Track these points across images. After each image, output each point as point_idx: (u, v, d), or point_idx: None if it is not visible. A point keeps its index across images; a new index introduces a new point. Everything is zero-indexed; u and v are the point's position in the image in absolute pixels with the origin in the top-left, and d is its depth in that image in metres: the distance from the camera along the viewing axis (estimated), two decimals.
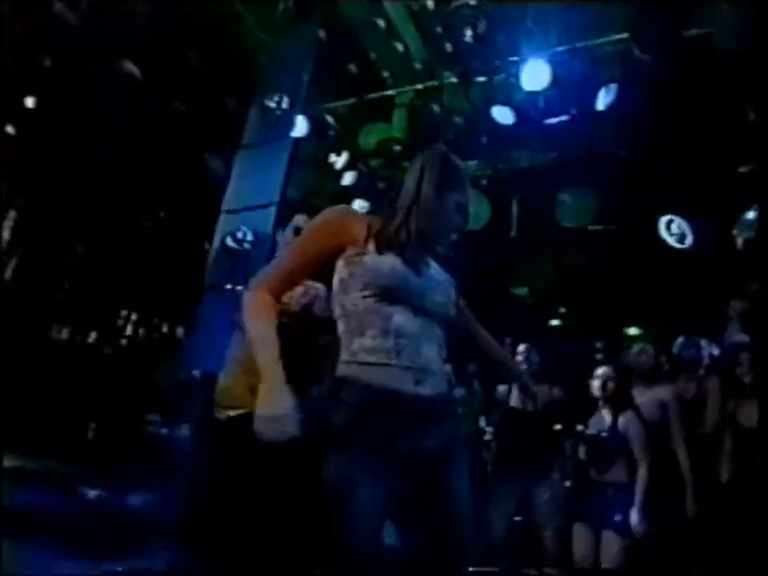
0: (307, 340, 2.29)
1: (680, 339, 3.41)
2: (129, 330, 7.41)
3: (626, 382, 3.27)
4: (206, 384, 4.61)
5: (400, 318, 1.46)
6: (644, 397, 3.26)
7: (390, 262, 1.48)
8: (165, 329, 7.49)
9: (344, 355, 1.50)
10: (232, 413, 2.33)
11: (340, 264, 1.53)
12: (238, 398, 2.25)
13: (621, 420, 3.11)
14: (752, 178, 4.23)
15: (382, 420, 1.42)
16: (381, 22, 5.83)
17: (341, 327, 1.52)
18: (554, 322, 8.22)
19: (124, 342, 7.29)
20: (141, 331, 7.42)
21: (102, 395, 6.00)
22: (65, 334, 6.78)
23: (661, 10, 4.20)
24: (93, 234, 6.65)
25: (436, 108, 6.30)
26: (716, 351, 3.40)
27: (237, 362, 2.41)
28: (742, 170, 4.33)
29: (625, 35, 4.60)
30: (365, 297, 1.47)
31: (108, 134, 5.33)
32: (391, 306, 1.47)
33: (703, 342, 3.40)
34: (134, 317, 7.38)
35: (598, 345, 5.74)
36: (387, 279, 1.47)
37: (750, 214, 3.82)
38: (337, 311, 1.54)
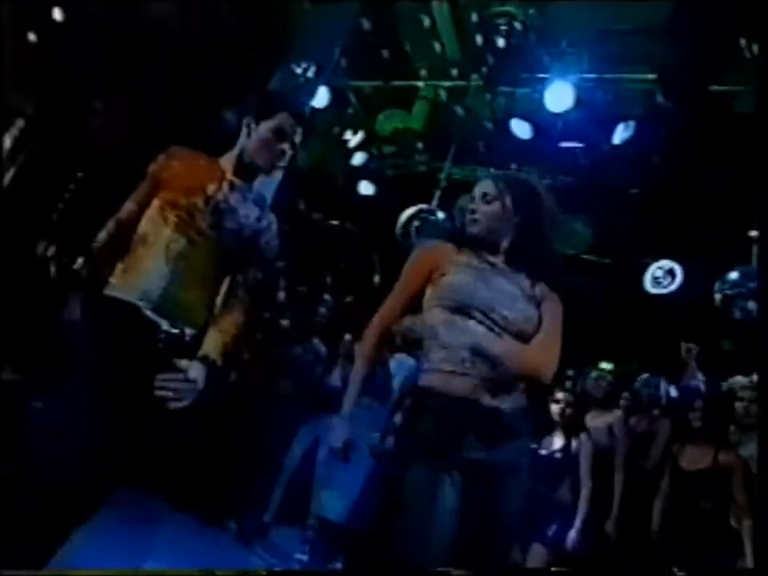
0: None
1: (643, 376, 3.54)
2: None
3: (582, 407, 3.39)
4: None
5: (475, 330, 1.60)
6: (595, 421, 3.39)
7: (462, 278, 1.65)
8: None
9: (425, 365, 1.68)
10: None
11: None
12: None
13: (573, 443, 3.23)
14: (747, 240, 4.35)
15: (458, 427, 1.56)
16: (426, 20, 5.84)
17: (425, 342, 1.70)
18: None
19: None
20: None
21: None
22: None
23: (690, 60, 4.27)
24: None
25: (457, 108, 6.34)
26: (673, 394, 3.53)
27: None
28: (736, 231, 4.44)
29: (652, 76, 4.66)
30: (441, 310, 1.65)
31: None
32: (467, 320, 1.61)
33: (663, 383, 3.52)
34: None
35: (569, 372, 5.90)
36: (459, 294, 1.63)
37: (734, 274, 3.94)
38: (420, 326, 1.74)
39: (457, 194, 6.24)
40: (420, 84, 6.40)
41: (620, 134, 5.08)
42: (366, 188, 6.43)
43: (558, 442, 3.25)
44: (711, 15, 4.31)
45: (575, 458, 3.16)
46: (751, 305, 3.79)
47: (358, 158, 6.37)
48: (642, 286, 5.39)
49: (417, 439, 1.60)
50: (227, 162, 1.91)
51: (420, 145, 6.78)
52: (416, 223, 5.11)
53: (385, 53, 6.23)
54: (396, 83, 6.44)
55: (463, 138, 6.36)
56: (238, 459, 4.29)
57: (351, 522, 4.01)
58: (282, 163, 1.95)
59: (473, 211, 1.74)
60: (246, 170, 1.90)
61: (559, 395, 3.31)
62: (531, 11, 5.07)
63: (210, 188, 1.82)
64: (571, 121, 5.31)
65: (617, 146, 5.16)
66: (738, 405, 3.29)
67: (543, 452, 3.24)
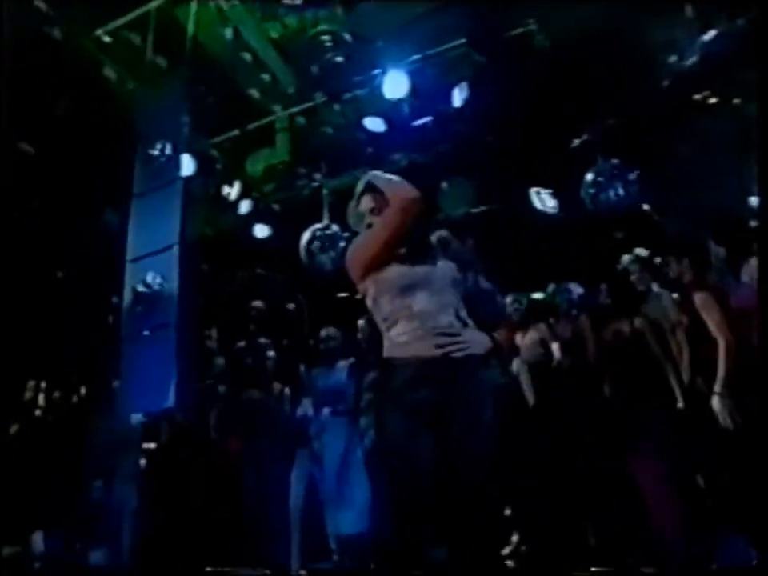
0: None
1: (551, 286, 4.01)
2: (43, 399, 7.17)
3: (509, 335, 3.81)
4: (146, 429, 4.76)
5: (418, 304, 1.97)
6: (524, 340, 3.84)
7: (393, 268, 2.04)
8: (85, 388, 7.34)
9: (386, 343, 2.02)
10: None
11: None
12: None
13: (513, 366, 3.65)
14: (589, 146, 4.96)
15: (418, 380, 1.87)
16: (247, 56, 6.17)
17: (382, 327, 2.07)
18: None
19: (39, 412, 7.06)
20: (56, 396, 7.20)
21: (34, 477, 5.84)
22: None
23: (484, 16, 4.83)
24: None
25: (314, 127, 6.71)
26: (582, 292, 4.02)
27: None
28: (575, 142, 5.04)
29: (462, 41, 5.20)
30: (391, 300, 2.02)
31: None
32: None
33: (572, 286, 4.01)
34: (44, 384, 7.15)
35: None
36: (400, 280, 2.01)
37: (589, 176, 4.50)
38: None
39: (344, 202, 6.61)
40: (272, 118, 6.71)
41: (458, 96, 5.61)
42: (261, 231, 6.66)
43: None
44: None
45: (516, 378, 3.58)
46: (611, 193, 4.37)
47: (244, 207, 6.59)
48: (530, 214, 5.95)
49: (388, 398, 1.94)
50: None
51: (294, 171, 7.09)
52: (316, 243, 5.41)
53: (228, 101, 6.51)
54: (250, 126, 6.72)
55: (330, 151, 6.73)
56: (244, 524, 4.39)
57: (366, 527, 4.20)
58: None
59: (369, 225, 2.19)
60: None
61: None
62: (344, 24, 5.50)
63: None
64: (414, 102, 5.80)
65: (460, 108, 5.69)
66: (632, 277, 3.83)
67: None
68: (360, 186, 2.23)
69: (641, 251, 3.97)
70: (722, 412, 2.85)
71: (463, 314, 2.03)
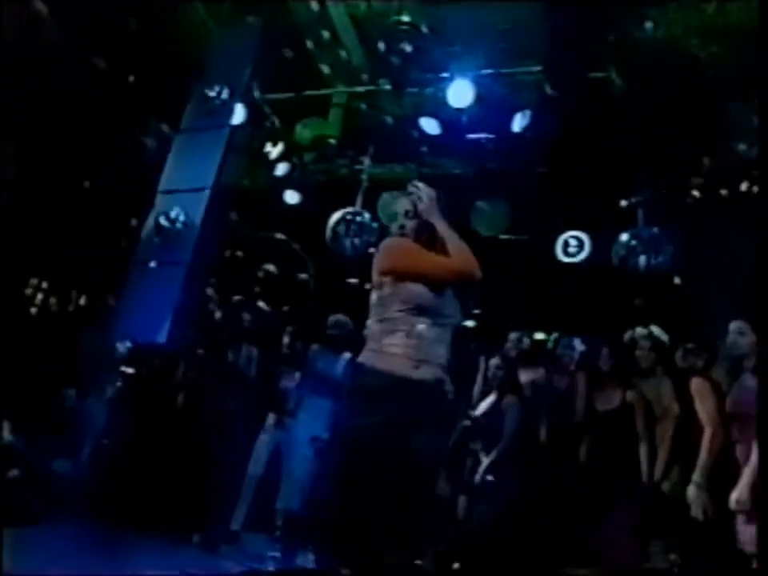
0: None
1: (556, 337, 4.01)
2: (40, 299, 7.25)
3: (512, 370, 3.83)
4: (131, 358, 4.80)
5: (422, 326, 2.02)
6: (524, 377, 3.86)
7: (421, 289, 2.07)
8: (84, 300, 7.41)
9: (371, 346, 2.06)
10: None
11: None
12: None
13: (504, 402, 3.66)
14: (635, 206, 4.94)
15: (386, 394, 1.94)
16: (325, 27, 6.15)
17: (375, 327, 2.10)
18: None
19: (35, 310, 7.14)
20: (54, 301, 7.28)
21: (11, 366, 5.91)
22: None
23: (569, 51, 4.79)
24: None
25: (369, 111, 6.70)
26: (584, 348, 4.02)
27: None
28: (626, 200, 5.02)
29: (538, 68, 5.17)
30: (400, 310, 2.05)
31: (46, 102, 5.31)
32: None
33: (576, 342, 4.01)
34: (45, 284, 7.22)
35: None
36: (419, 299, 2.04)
37: (624, 236, 4.49)
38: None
39: (378, 193, 6.63)
40: (332, 92, 6.70)
41: (518, 122, 5.58)
42: (291, 197, 6.66)
43: (491, 400, 3.68)
44: (582, 12, 4.85)
45: (502, 416, 3.59)
46: (641, 260, 4.35)
47: (281, 169, 6.60)
48: (555, 256, 5.93)
49: (359, 407, 1.99)
50: None
51: (339, 149, 7.09)
52: (343, 226, 5.42)
53: (294, 63, 6.50)
54: (309, 93, 6.71)
55: (379, 139, 6.72)
56: (197, 473, 4.44)
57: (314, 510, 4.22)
58: None
59: (401, 226, 2.23)
60: None
61: (492, 361, 3.74)
62: (426, 20, 5.47)
63: None
64: (474, 114, 5.77)
65: (517, 133, 5.66)
66: (638, 352, 3.81)
67: (479, 412, 3.66)
68: (410, 191, 2.24)
69: (656, 330, 3.95)
70: (696, 502, 2.86)
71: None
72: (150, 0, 5.39)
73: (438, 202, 2.19)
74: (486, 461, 3.60)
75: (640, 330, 3.94)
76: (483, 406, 3.78)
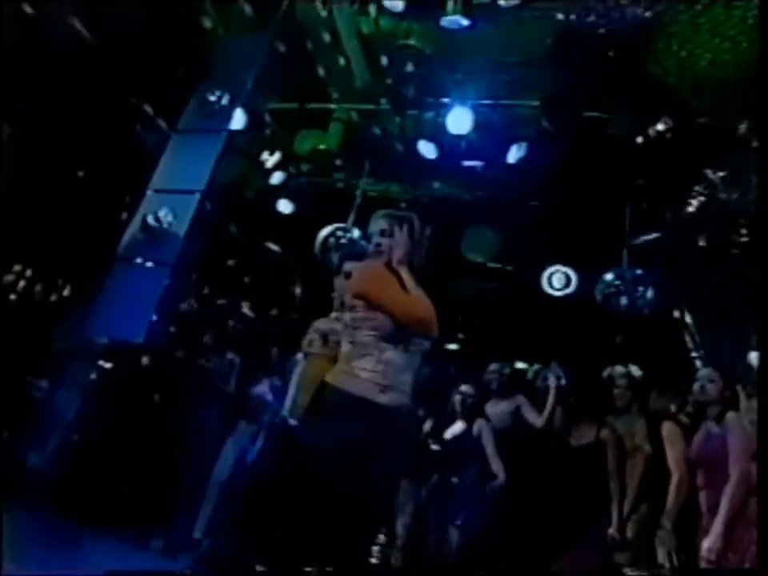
0: None
1: (535, 367, 4.02)
2: (22, 286, 7.15)
3: (482, 396, 3.83)
4: (107, 353, 4.75)
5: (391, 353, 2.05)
6: (497, 407, 3.85)
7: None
8: (64, 291, 7.32)
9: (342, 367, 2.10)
10: None
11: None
12: None
13: (474, 428, 3.66)
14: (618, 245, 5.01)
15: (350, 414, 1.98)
16: (331, 41, 6.22)
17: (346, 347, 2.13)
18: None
19: (14, 297, 7.04)
20: (36, 289, 7.19)
21: None
22: None
23: (565, 90, 4.89)
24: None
25: (370, 129, 6.75)
26: (563, 382, 4.04)
27: None
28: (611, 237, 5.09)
29: (535, 103, 5.25)
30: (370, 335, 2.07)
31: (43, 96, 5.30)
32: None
33: (551, 373, 4.02)
34: (28, 272, 7.14)
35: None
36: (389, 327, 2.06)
37: (609, 275, 4.54)
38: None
39: (372, 210, 6.65)
40: (333, 106, 6.76)
41: (514, 153, 5.66)
42: (285, 206, 6.68)
43: (459, 428, 3.67)
44: (584, 51, 4.95)
45: (477, 441, 3.58)
46: (623, 300, 4.40)
47: (276, 178, 6.62)
48: (540, 288, 5.98)
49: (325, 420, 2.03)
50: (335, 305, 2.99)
51: (336, 162, 7.13)
52: (333, 240, 5.44)
53: (299, 76, 6.56)
54: (311, 105, 6.76)
55: (376, 157, 6.77)
56: (164, 475, 4.38)
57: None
58: None
59: (378, 245, 2.24)
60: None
61: (463, 387, 3.74)
62: (432, 46, 5.56)
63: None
64: (471, 142, 5.84)
65: (512, 164, 5.74)
66: (615, 390, 3.83)
67: (448, 438, 3.64)
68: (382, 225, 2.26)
69: (635, 370, 3.98)
70: (662, 547, 2.85)
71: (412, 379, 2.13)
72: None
73: (416, 235, 2.23)
74: (454, 484, 3.58)
75: (618, 369, 3.96)
76: (452, 429, 3.77)
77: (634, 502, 3.34)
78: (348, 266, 2.88)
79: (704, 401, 2.93)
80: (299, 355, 3.29)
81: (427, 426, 3.93)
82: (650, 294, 4.47)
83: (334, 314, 2.92)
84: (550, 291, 5.93)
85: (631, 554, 3.21)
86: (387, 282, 2.15)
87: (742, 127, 4.66)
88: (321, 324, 2.93)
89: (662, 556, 2.86)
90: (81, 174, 7.10)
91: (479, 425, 3.76)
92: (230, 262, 6.42)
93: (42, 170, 6.30)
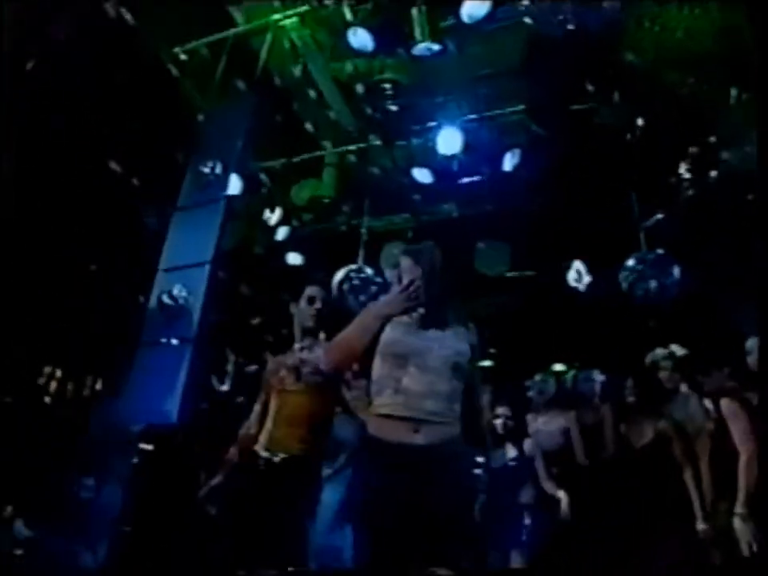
0: None
1: (574, 372, 3.88)
2: (54, 387, 7.23)
3: (524, 414, 3.69)
4: (146, 437, 4.72)
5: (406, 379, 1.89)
6: (549, 425, 3.68)
7: (393, 332, 1.97)
8: (97, 385, 7.38)
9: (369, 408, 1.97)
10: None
11: None
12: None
13: (525, 448, 3.50)
14: (635, 229, 4.91)
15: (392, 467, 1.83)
16: (311, 92, 6.34)
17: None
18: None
19: (48, 399, 7.11)
20: (69, 388, 7.26)
21: (27, 458, 5.84)
22: None
23: (546, 87, 4.88)
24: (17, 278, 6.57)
25: (363, 167, 6.81)
26: (606, 381, 3.89)
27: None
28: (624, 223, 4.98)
29: (521, 108, 5.25)
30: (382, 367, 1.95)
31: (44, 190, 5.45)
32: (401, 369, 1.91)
33: (596, 374, 3.88)
34: (58, 373, 7.22)
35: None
36: (393, 347, 1.93)
37: (630, 261, 4.42)
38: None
39: (379, 245, 6.66)
40: (324, 153, 6.84)
41: (509, 161, 5.64)
42: (294, 258, 6.71)
43: (510, 452, 3.52)
44: (558, 51, 4.97)
45: (531, 461, 3.43)
46: (652, 283, 4.26)
47: (282, 233, 6.67)
48: (560, 290, 5.87)
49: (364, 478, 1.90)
50: (296, 335, 2.72)
51: (336, 207, 7.18)
52: (348, 284, 5.41)
53: (285, 131, 6.68)
54: (302, 156, 6.86)
55: (374, 193, 6.81)
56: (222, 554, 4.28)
57: None
58: (320, 320, 2.71)
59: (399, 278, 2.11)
60: (306, 334, 2.69)
61: (499, 410, 3.61)
62: (407, 76, 5.63)
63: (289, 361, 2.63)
64: (464, 159, 5.84)
65: (509, 173, 5.71)
66: (661, 374, 3.68)
67: (498, 465, 3.49)
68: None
69: (676, 348, 3.82)
70: (743, 536, 2.65)
71: (456, 405, 1.92)
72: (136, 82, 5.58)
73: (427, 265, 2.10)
74: (519, 509, 3.43)
75: (660, 351, 3.81)
76: (502, 456, 3.61)
77: (713, 488, 3.14)
78: (310, 290, 2.76)
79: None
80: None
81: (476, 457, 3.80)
82: (676, 271, 4.32)
83: (297, 345, 2.68)
84: (571, 290, 5.82)
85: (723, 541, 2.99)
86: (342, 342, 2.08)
87: (732, 94, 4.58)
88: (287, 359, 2.65)
89: (744, 545, 2.64)
90: (92, 267, 7.25)
91: (530, 445, 3.59)
92: (253, 323, 6.42)
93: (54, 271, 6.42)
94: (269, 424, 2.53)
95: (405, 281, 2.06)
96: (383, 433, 1.88)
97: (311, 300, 2.73)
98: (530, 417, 3.81)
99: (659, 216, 4.85)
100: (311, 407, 2.48)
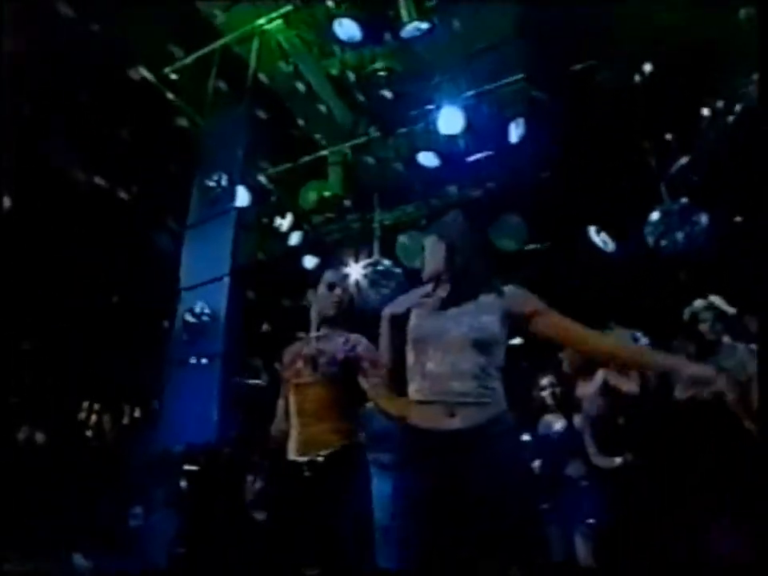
0: None
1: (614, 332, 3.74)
2: (94, 420, 7.32)
3: (570, 382, 3.56)
4: (189, 457, 4.71)
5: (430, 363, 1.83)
6: (584, 389, 3.56)
7: (416, 318, 1.92)
8: (135, 413, 7.45)
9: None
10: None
11: None
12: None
13: (575, 419, 3.38)
14: (654, 183, 4.74)
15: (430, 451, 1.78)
16: (305, 92, 6.29)
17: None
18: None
19: (90, 432, 7.20)
20: (107, 419, 7.35)
21: (76, 494, 5.90)
22: (25, 432, 6.66)
23: (543, 51, 4.74)
24: (49, 325, 6.66)
25: (367, 161, 6.73)
26: (648, 342, 3.75)
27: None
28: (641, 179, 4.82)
29: (520, 76, 5.12)
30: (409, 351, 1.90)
31: (57, 226, 5.49)
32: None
33: (637, 336, 3.74)
34: (96, 406, 7.31)
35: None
36: (415, 332, 1.88)
37: (655, 215, 4.24)
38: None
39: (394, 238, 6.58)
40: (326, 152, 6.78)
41: (514, 133, 5.49)
42: (310, 262, 6.65)
43: (559, 423, 3.41)
44: (549, 14, 4.83)
45: (581, 432, 3.31)
46: (679, 235, 4.08)
47: (295, 238, 6.62)
48: (580, 256, 5.73)
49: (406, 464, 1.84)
50: (312, 328, 2.51)
51: (346, 204, 7.12)
52: (366, 279, 5.34)
53: (285, 134, 6.64)
54: (305, 158, 6.80)
55: (382, 186, 6.72)
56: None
57: None
58: (340, 308, 2.49)
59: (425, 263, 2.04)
60: (324, 323, 2.48)
61: (543, 381, 3.49)
62: (400, 61, 5.54)
63: (304, 351, 2.44)
64: (469, 137, 5.73)
65: (516, 144, 5.57)
66: (702, 326, 3.53)
67: (551, 436, 3.38)
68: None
69: (716, 298, 3.66)
70: None
71: (491, 382, 1.80)
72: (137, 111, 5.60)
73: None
74: (574, 483, 3.30)
75: (699, 303, 3.66)
76: (551, 428, 3.50)
77: None
78: (330, 275, 2.55)
79: None
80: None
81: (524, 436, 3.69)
82: (704, 219, 4.13)
83: (313, 334, 2.47)
84: (594, 252, 5.67)
85: None
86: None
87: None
88: (303, 349, 2.44)
89: None
90: (115, 299, 7.32)
91: (583, 412, 3.45)
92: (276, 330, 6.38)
93: (82, 311, 6.49)
94: (295, 423, 2.34)
95: (427, 269, 2.01)
96: (421, 420, 1.80)
97: (331, 286, 2.51)
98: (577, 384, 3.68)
99: (682, 162, 4.64)
100: (333, 398, 2.31)
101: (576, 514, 3.26)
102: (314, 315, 2.51)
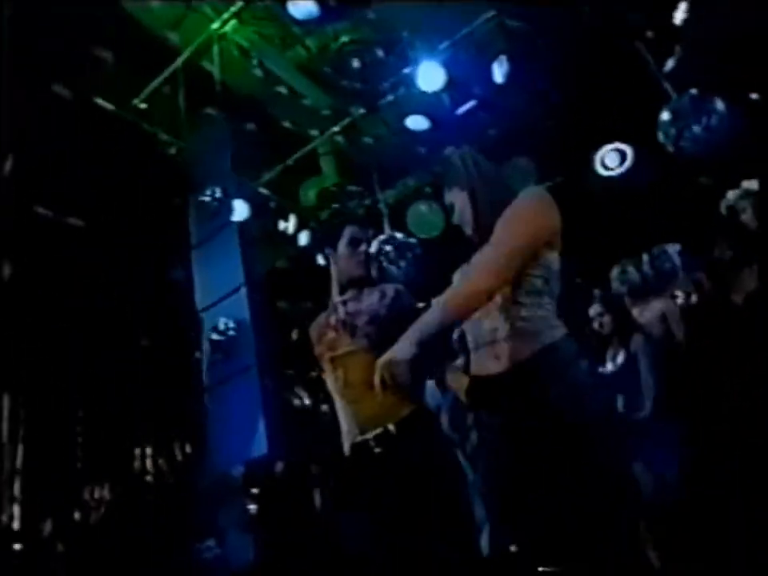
0: None
1: (646, 254, 3.49)
2: (150, 466, 7.30)
3: (620, 308, 3.31)
4: (249, 478, 4.61)
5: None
6: (646, 314, 3.31)
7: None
8: (186, 448, 7.40)
9: None
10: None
11: None
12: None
13: (632, 346, 3.13)
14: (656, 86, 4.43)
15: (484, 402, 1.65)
16: (277, 88, 6.10)
17: None
18: None
19: (150, 478, 7.18)
20: (162, 462, 7.31)
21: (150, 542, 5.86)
22: (89, 492, 6.65)
23: None
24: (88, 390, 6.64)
25: (357, 142, 6.53)
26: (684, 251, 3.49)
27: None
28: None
29: (493, 13, 4.84)
30: None
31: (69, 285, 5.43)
32: None
33: (671, 248, 3.48)
34: (149, 450, 7.28)
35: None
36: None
37: (665, 115, 3.94)
38: None
39: (401, 213, 6.37)
40: (313, 145, 6.59)
41: (499, 72, 5.22)
42: (322, 260, 6.49)
43: (619, 356, 3.16)
44: None
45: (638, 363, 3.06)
46: (695, 128, 3.78)
47: (303, 239, 6.48)
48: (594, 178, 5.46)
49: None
50: (334, 293, 2.22)
51: (347, 191, 6.93)
52: (382, 256, 5.14)
53: (268, 137, 6.47)
54: (294, 157, 6.62)
55: (378, 164, 6.52)
56: None
57: None
58: (363, 267, 2.20)
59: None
60: (351, 285, 2.17)
61: (591, 311, 3.26)
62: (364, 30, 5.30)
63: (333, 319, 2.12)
64: (453, 89, 5.47)
65: (505, 83, 5.29)
66: (743, 216, 3.25)
67: (610, 370, 3.14)
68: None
69: (750, 183, 3.38)
70: None
71: (521, 311, 1.58)
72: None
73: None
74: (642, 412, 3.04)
75: (733, 193, 3.38)
76: (612, 361, 3.24)
77: None
78: (351, 231, 2.24)
79: None
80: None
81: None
82: (720, 105, 3.81)
83: (338, 299, 2.17)
84: (605, 173, 5.40)
85: None
86: None
87: None
88: (329, 318, 2.14)
89: None
90: (144, 342, 7.26)
91: (636, 342, 3.18)
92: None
93: (119, 362, 6.43)
94: (347, 401, 2.01)
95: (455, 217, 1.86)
96: (474, 370, 1.67)
97: (356, 242, 2.20)
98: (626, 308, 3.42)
99: (678, 54, 4.34)
100: None
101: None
102: (335, 279, 2.21)
